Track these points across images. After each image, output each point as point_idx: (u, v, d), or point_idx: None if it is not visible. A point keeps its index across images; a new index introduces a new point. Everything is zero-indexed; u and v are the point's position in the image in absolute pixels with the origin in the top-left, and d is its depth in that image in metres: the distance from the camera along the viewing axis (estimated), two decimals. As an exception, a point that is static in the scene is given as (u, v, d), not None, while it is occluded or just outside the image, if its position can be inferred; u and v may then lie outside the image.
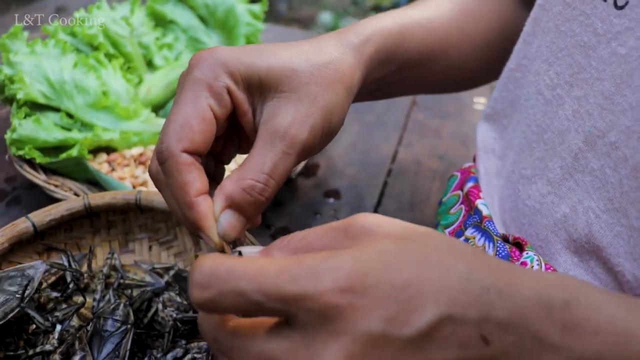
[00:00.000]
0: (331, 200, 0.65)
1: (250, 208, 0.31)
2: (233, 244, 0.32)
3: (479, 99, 0.89)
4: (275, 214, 0.62)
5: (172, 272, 0.46)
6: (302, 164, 0.59)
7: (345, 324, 0.22)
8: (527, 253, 0.36)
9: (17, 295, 0.39)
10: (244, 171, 0.31)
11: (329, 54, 0.36)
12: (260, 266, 0.23)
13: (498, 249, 0.38)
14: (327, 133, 0.35)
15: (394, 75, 0.44)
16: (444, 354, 0.22)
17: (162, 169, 0.32)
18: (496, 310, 0.23)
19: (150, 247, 0.50)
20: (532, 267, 0.36)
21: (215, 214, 0.31)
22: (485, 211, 0.41)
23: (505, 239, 0.40)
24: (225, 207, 0.31)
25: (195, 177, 0.31)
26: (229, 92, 0.32)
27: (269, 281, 0.22)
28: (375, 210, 0.64)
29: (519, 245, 0.39)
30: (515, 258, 0.37)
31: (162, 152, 0.31)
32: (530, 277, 0.25)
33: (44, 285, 0.45)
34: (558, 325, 0.24)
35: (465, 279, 0.23)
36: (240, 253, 0.27)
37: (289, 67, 0.33)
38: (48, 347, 0.38)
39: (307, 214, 0.62)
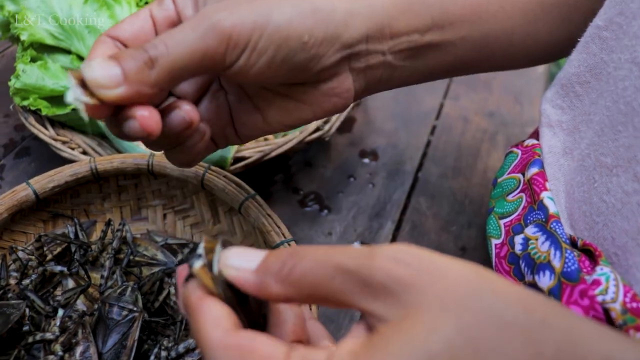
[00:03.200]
0: (367, 160, 0.59)
1: (132, 67, 0.24)
2: (224, 244, 0.23)
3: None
4: (304, 175, 0.56)
5: (187, 250, 0.41)
6: (340, 119, 0.52)
7: None
8: (601, 269, 0.30)
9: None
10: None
11: None
12: None
13: (566, 260, 0.31)
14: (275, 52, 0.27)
15: None
16: None
17: None
18: None
19: (164, 216, 0.46)
20: (607, 287, 0.29)
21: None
22: (552, 208, 0.34)
23: (573, 244, 0.33)
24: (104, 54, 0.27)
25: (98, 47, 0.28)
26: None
27: None
28: (416, 176, 0.57)
29: (590, 254, 0.32)
30: (585, 271, 0.31)
31: None
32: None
33: (49, 257, 0.41)
34: None
35: None
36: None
37: None
38: (49, 335, 0.35)
39: (340, 176, 0.56)
